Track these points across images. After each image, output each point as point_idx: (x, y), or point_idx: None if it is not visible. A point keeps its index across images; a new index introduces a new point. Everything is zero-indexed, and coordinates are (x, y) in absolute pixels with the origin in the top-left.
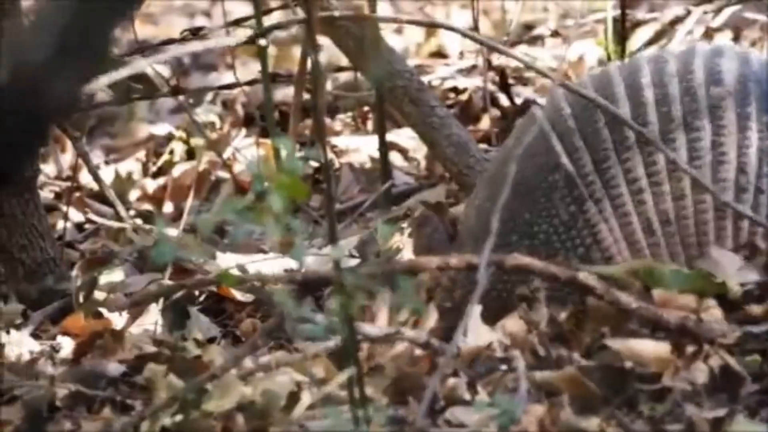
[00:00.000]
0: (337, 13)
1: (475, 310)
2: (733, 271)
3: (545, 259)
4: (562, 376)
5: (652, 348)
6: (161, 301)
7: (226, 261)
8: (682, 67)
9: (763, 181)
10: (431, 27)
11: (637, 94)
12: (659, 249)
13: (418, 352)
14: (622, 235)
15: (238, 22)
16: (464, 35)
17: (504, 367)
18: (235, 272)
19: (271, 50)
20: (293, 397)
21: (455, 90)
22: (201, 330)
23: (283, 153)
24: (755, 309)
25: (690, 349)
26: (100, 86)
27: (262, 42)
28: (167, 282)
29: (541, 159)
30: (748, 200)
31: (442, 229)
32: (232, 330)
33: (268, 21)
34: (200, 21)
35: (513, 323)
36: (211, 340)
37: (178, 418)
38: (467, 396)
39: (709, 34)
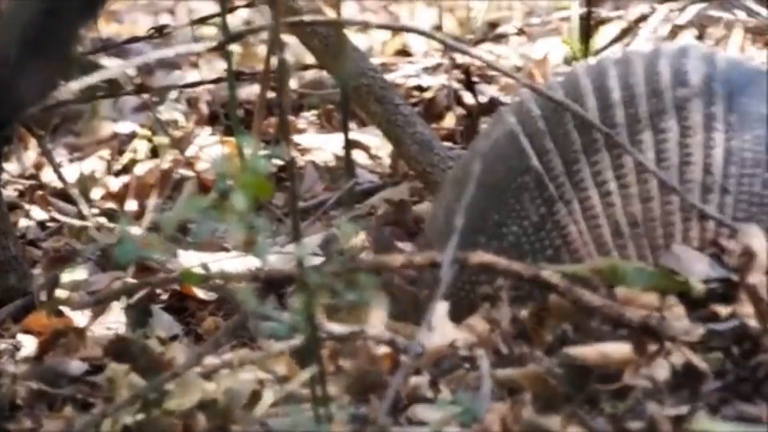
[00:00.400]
0: (305, 18)
1: (441, 307)
2: (696, 268)
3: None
4: (525, 374)
5: (613, 350)
6: (124, 299)
7: (189, 259)
8: (648, 68)
9: (729, 182)
10: (396, 30)
11: (605, 95)
12: (627, 251)
13: (380, 350)
14: (591, 237)
15: (202, 21)
16: (428, 36)
17: (467, 365)
18: (199, 270)
19: (236, 48)
20: (255, 396)
21: (419, 88)
22: (163, 328)
23: (247, 151)
24: (719, 308)
25: (652, 347)
26: (72, 91)
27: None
28: (130, 280)
29: (512, 161)
30: (714, 201)
31: (393, 242)
32: (195, 328)
33: (232, 19)
34: (165, 19)
35: (478, 322)
36: (174, 338)
37: (140, 416)
38: (430, 394)
39: (673, 32)
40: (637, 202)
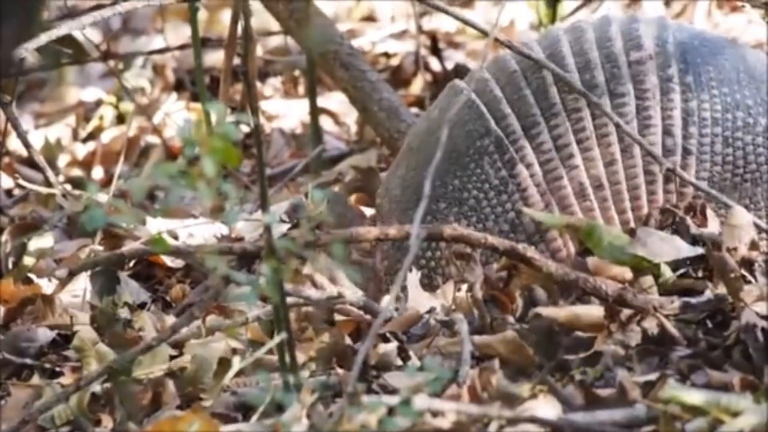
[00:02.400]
0: None
1: (413, 276)
2: (663, 250)
3: (475, 225)
4: (501, 340)
5: (584, 312)
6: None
7: (157, 226)
8: (600, 35)
9: (690, 142)
10: None
11: (559, 63)
12: (593, 213)
13: (339, 317)
14: (555, 199)
15: None
16: None
17: (444, 330)
18: (167, 238)
19: (201, 14)
20: (223, 364)
21: (386, 54)
22: (131, 295)
23: (215, 118)
24: (693, 281)
25: (625, 313)
26: (29, 50)
27: (196, 4)
28: (99, 249)
29: (470, 126)
30: (676, 162)
31: (353, 208)
32: (162, 295)
33: None
34: None
35: (450, 288)
36: (142, 306)
37: (108, 385)
38: (399, 362)
39: None
40: (600, 165)
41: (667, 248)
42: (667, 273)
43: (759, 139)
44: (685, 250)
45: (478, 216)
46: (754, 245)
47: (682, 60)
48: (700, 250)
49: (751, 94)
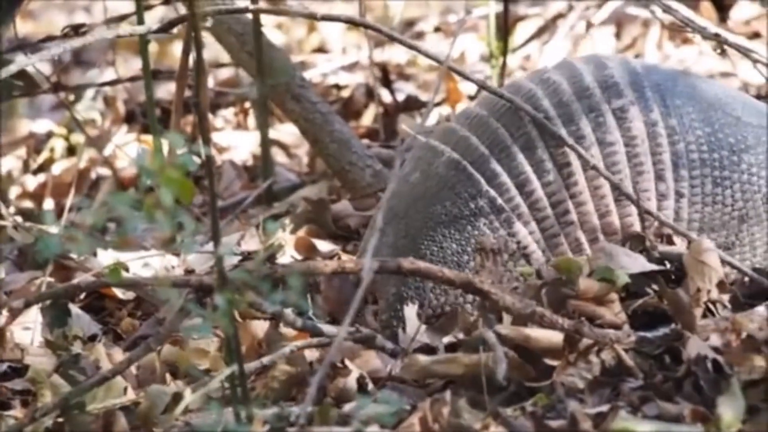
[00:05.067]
0: (226, 7)
1: (411, 310)
2: (625, 262)
3: None
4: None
5: (543, 336)
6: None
7: (108, 258)
8: (576, 85)
9: (681, 185)
10: (347, 23)
11: (543, 115)
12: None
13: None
14: (553, 255)
15: (119, 19)
16: (375, 30)
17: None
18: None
19: (152, 47)
20: (177, 397)
21: (337, 86)
22: (82, 328)
23: (166, 150)
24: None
25: (584, 343)
26: None
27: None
28: (50, 280)
29: (458, 188)
30: (670, 206)
31: (350, 279)
32: (113, 328)
33: (149, 17)
34: (80, 17)
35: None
36: (92, 338)
37: (61, 419)
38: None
39: (590, 29)
40: (595, 219)
41: (632, 262)
42: (622, 278)
43: (744, 176)
44: (649, 265)
45: None
46: (722, 286)
47: (662, 104)
48: (663, 267)
49: (731, 132)
